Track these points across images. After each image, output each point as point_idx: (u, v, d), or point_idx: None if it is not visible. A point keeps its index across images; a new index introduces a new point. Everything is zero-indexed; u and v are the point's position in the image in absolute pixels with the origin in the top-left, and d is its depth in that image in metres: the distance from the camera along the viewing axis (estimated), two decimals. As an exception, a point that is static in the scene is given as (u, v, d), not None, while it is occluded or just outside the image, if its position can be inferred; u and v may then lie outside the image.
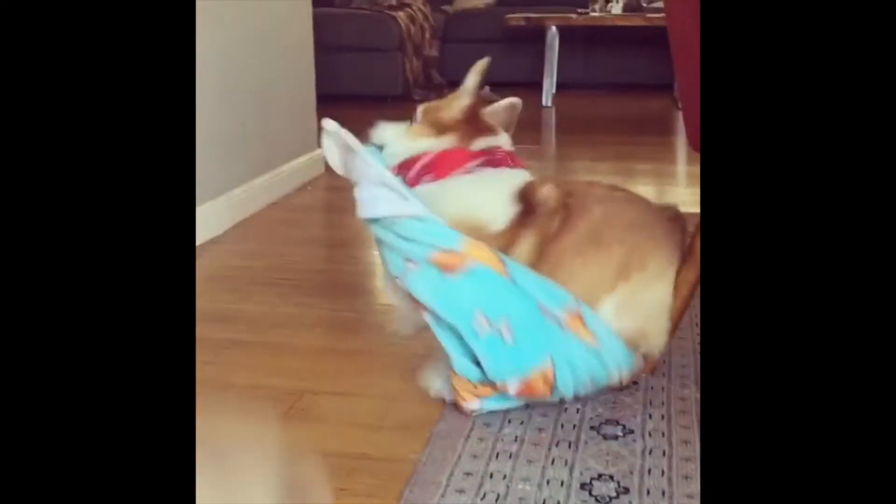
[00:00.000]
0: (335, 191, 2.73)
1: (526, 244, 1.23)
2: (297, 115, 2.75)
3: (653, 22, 4.31)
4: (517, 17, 4.56)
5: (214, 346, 1.51)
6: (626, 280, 1.20)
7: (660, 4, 4.54)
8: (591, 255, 1.21)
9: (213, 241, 2.14)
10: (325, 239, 2.23)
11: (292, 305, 1.72)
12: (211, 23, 2.14)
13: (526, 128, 4.02)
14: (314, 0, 2.89)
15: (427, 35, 4.98)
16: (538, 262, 1.21)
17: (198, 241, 2.09)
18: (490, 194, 1.26)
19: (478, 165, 1.28)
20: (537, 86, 4.73)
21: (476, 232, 1.20)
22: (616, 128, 3.97)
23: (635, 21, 4.41)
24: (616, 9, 4.56)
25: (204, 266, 1.96)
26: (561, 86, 4.79)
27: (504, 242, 1.22)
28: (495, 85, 4.98)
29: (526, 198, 1.25)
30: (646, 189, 2.77)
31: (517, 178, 1.29)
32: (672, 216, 1.30)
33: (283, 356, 1.48)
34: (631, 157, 3.21)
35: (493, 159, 1.29)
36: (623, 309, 1.20)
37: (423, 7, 5.07)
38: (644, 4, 4.55)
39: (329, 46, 4.29)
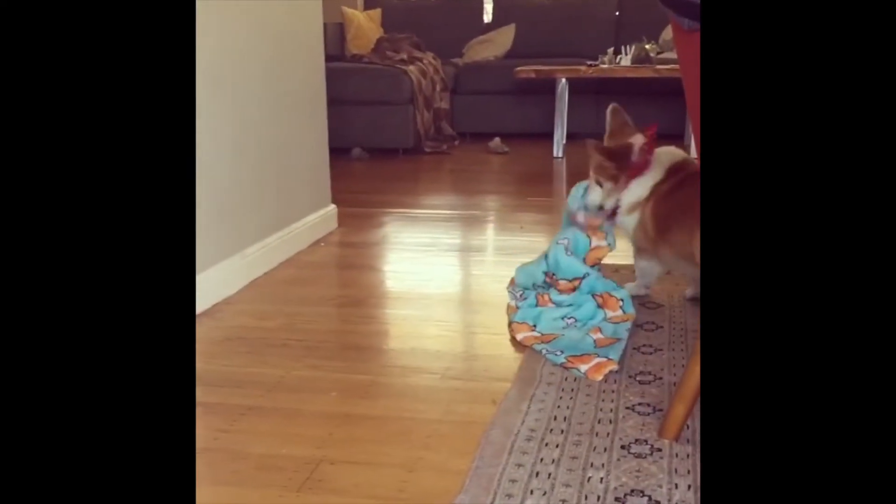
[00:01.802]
0: (348, 247, 2.73)
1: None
2: (310, 172, 2.76)
3: (662, 73, 4.34)
4: (527, 70, 4.60)
5: (229, 413, 1.49)
6: None
7: (667, 56, 4.57)
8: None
9: (227, 301, 2.13)
10: (338, 298, 2.21)
11: (307, 368, 1.70)
12: (226, 80, 2.16)
13: (537, 179, 4.05)
14: (325, 55, 2.91)
15: (438, 88, 5.02)
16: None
17: (212, 302, 2.09)
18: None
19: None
20: (548, 136, 4.76)
21: None
22: (627, 179, 3.97)
23: (644, 73, 4.44)
24: (625, 61, 4.60)
25: (218, 327, 1.95)
26: (571, 136, 4.81)
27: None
28: (506, 136, 5.03)
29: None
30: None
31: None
32: None
33: (298, 423, 1.46)
34: (644, 210, 3.19)
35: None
36: None
37: (433, 60, 5.13)
38: (652, 56, 4.58)
39: (340, 100, 4.34)
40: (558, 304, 1.93)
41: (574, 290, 1.94)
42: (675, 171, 1.88)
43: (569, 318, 1.87)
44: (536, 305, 1.94)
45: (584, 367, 1.62)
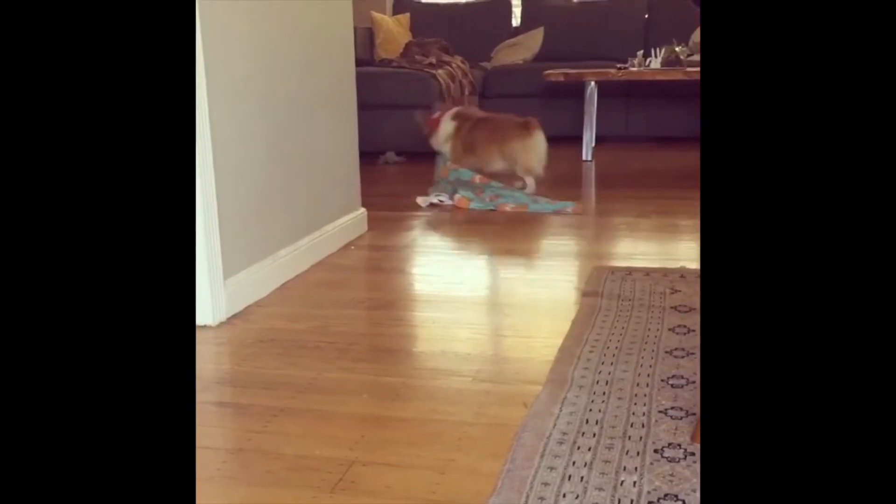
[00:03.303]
0: (378, 250, 2.74)
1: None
2: (341, 175, 2.77)
3: (692, 76, 4.30)
4: (556, 73, 4.59)
5: (263, 414, 1.50)
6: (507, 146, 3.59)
7: (697, 58, 4.54)
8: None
9: (259, 304, 2.15)
10: (368, 300, 2.22)
11: (338, 370, 1.71)
12: (259, 85, 2.18)
13: (566, 182, 4.06)
14: (355, 59, 2.93)
15: (466, 91, 5.02)
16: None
17: (244, 304, 2.11)
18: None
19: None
20: (577, 139, 4.74)
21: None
22: (657, 182, 3.95)
23: (674, 75, 4.41)
24: (655, 63, 4.57)
25: (250, 329, 1.97)
26: (600, 139, 4.79)
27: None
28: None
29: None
30: (689, 245, 2.74)
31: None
32: (520, 124, 3.60)
33: (330, 424, 1.47)
34: (673, 213, 3.18)
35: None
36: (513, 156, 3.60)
37: (462, 64, 5.13)
38: (683, 58, 4.55)
39: (370, 104, 4.35)
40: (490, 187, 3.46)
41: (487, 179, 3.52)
42: (461, 116, 3.73)
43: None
44: (479, 192, 3.40)
45: (509, 207, 3.23)
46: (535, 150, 3.55)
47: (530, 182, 3.58)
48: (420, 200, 3.39)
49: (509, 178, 3.64)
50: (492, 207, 3.28)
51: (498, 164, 3.62)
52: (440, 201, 3.39)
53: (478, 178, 3.49)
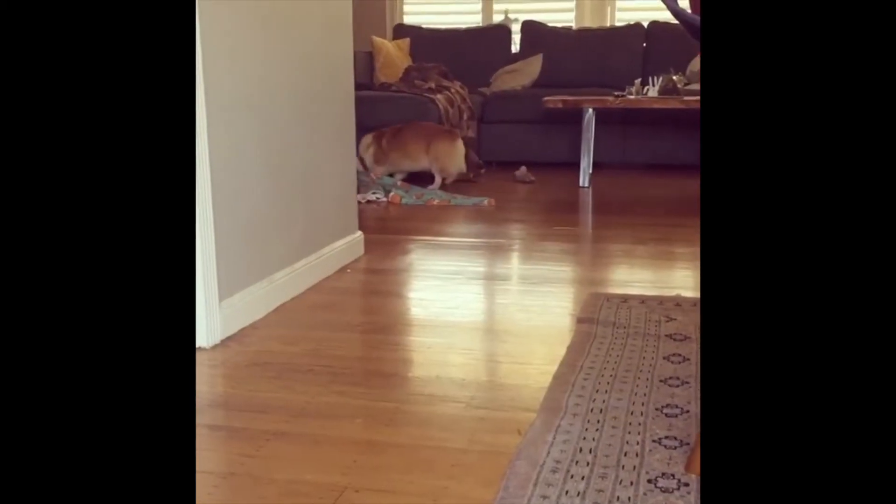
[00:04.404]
0: (374, 274, 2.74)
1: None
2: (338, 198, 2.78)
3: (689, 105, 4.33)
4: (554, 100, 4.62)
5: (255, 438, 1.50)
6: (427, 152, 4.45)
7: (694, 87, 4.57)
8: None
9: (254, 326, 2.14)
10: (364, 324, 2.22)
11: (332, 394, 1.71)
12: (259, 107, 2.20)
13: (563, 209, 4.06)
14: (355, 83, 2.95)
15: (465, 116, 5.05)
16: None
17: (239, 326, 2.10)
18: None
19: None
20: (574, 166, 4.76)
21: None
22: (653, 209, 3.96)
23: (671, 104, 4.44)
24: (652, 92, 4.60)
25: (245, 352, 1.96)
26: (597, 165, 4.81)
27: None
28: (532, 165, 5.04)
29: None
30: (685, 273, 2.75)
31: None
32: (446, 130, 4.54)
33: (323, 449, 1.46)
34: (670, 240, 3.19)
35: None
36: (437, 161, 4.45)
37: (461, 89, 5.17)
38: (680, 87, 4.58)
39: (369, 128, 4.38)
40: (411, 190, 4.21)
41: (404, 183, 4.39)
42: (378, 133, 4.44)
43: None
44: (406, 191, 4.15)
45: (436, 202, 4.01)
46: (456, 153, 4.40)
47: (438, 181, 4.39)
48: (359, 197, 4.00)
49: (424, 182, 4.46)
50: (420, 203, 4.00)
51: (423, 163, 4.38)
52: (377, 198, 4.05)
53: (400, 182, 4.35)
